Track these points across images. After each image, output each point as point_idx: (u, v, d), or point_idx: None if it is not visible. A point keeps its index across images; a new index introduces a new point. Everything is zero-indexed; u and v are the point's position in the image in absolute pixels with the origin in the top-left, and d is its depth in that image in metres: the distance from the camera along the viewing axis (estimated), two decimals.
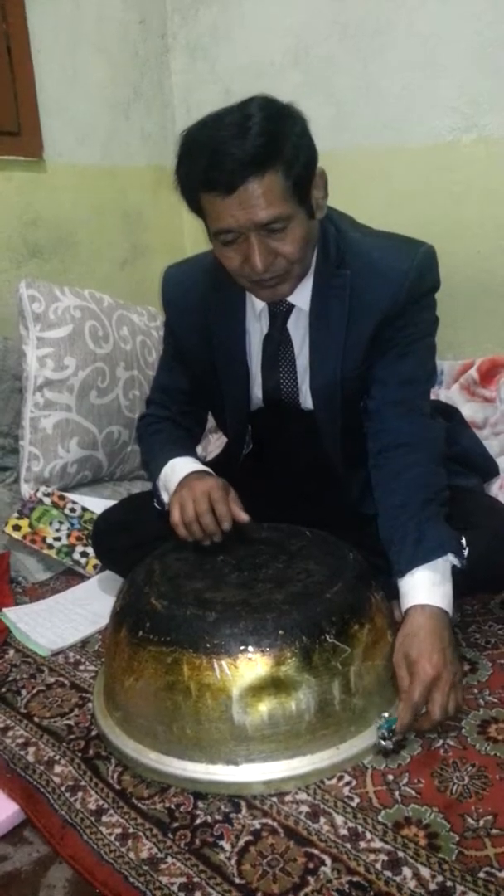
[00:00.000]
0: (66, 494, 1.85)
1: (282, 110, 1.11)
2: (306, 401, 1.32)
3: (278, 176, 1.08)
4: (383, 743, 1.04)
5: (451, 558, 1.14)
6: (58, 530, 1.75)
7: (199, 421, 1.51)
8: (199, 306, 1.33)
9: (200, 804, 1.00)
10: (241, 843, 0.94)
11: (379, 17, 2.10)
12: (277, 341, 1.30)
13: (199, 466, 1.31)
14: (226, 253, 1.16)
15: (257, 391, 1.36)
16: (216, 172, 1.07)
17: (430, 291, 1.25)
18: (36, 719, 1.21)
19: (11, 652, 1.42)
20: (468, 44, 1.97)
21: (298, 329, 1.29)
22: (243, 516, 1.22)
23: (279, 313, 1.29)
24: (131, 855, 0.93)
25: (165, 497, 1.34)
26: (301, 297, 1.26)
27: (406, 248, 1.22)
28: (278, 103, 1.11)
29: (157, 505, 1.38)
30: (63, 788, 1.05)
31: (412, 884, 0.86)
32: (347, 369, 1.25)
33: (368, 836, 0.93)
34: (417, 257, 1.21)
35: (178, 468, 1.31)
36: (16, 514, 1.76)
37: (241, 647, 1.01)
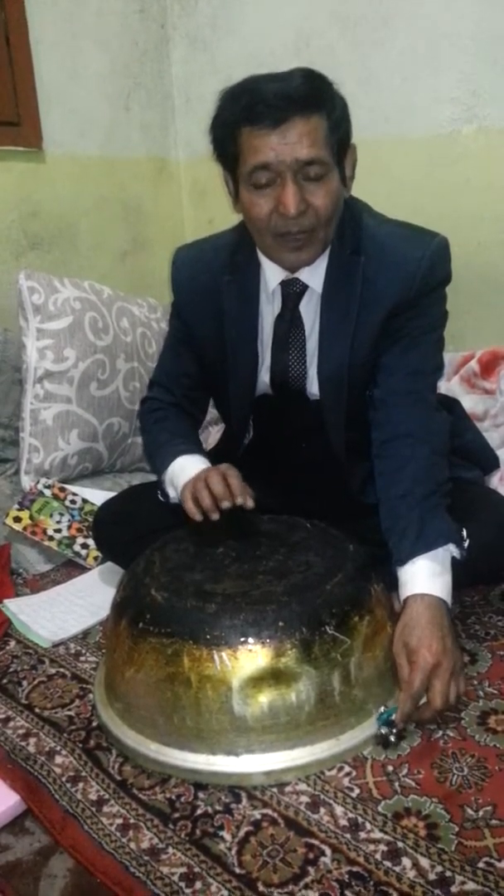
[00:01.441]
0: (66, 486, 1.85)
1: (323, 77, 1.14)
2: (313, 386, 1.31)
3: (323, 122, 1.10)
4: (384, 734, 1.04)
5: (451, 549, 1.14)
6: (58, 522, 1.75)
7: (203, 407, 1.51)
8: (211, 288, 1.33)
9: (201, 795, 1.00)
10: (241, 833, 0.94)
11: (379, 8, 2.09)
12: (289, 322, 1.29)
13: (208, 466, 1.31)
14: (256, 199, 1.15)
15: (265, 375, 1.35)
16: (262, 106, 1.08)
17: (441, 284, 1.25)
18: (37, 710, 1.21)
19: (12, 643, 1.42)
20: (469, 35, 1.96)
21: (310, 311, 1.28)
22: (249, 503, 1.20)
23: (292, 294, 1.28)
24: (132, 845, 0.93)
25: (172, 493, 1.34)
26: (315, 278, 1.25)
27: (420, 239, 1.22)
28: (319, 73, 1.14)
29: (160, 497, 1.38)
30: (64, 779, 1.05)
31: (412, 874, 0.86)
32: (355, 356, 1.25)
33: (368, 826, 0.93)
34: (431, 248, 1.20)
35: (188, 467, 1.30)
36: (16, 506, 1.76)
37: (242, 639, 1.01)
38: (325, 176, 1.12)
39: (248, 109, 1.09)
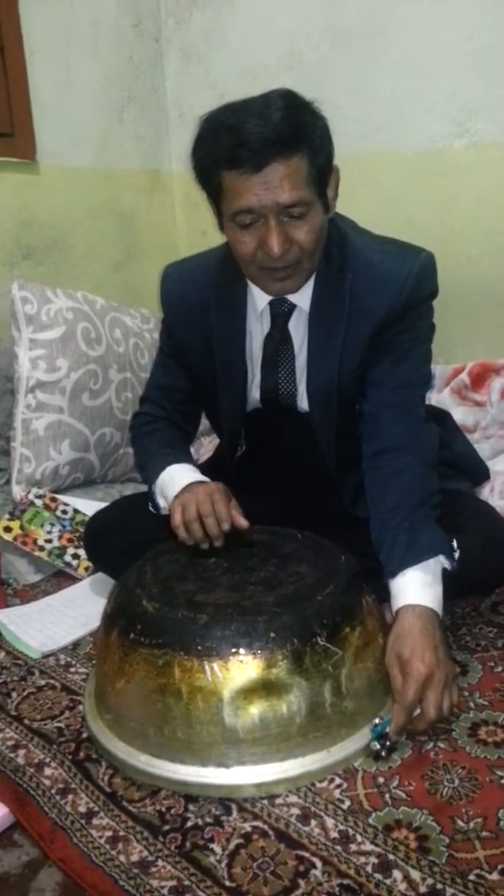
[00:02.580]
0: (57, 496, 1.84)
1: (304, 102, 1.13)
2: (303, 402, 1.32)
3: (304, 161, 1.10)
4: (377, 747, 1.04)
5: (442, 560, 1.14)
6: (49, 532, 1.74)
7: (194, 421, 1.51)
8: (200, 305, 1.33)
9: (191, 807, 1.00)
10: (231, 845, 0.93)
11: (371, 22, 2.11)
12: (278, 341, 1.30)
13: (198, 476, 1.31)
14: (240, 237, 1.15)
15: (255, 391, 1.36)
16: (243, 150, 1.07)
17: (428, 298, 1.26)
18: (26, 721, 1.21)
19: (2, 654, 1.41)
20: (460, 49, 1.98)
21: (299, 329, 1.29)
22: (243, 522, 1.22)
23: (281, 313, 1.29)
24: (122, 858, 0.93)
25: (162, 503, 1.34)
26: (303, 297, 1.26)
27: (406, 255, 1.23)
28: (300, 96, 1.13)
29: (151, 509, 1.38)
30: (53, 791, 1.04)
31: (402, 886, 0.86)
32: (344, 371, 1.26)
33: (359, 838, 0.93)
34: (417, 264, 1.21)
35: (177, 477, 1.30)
36: (7, 516, 1.75)
37: (233, 650, 1.01)
38: (307, 213, 1.12)
39: (229, 152, 1.08)
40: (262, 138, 1.06)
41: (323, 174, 1.14)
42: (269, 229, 1.11)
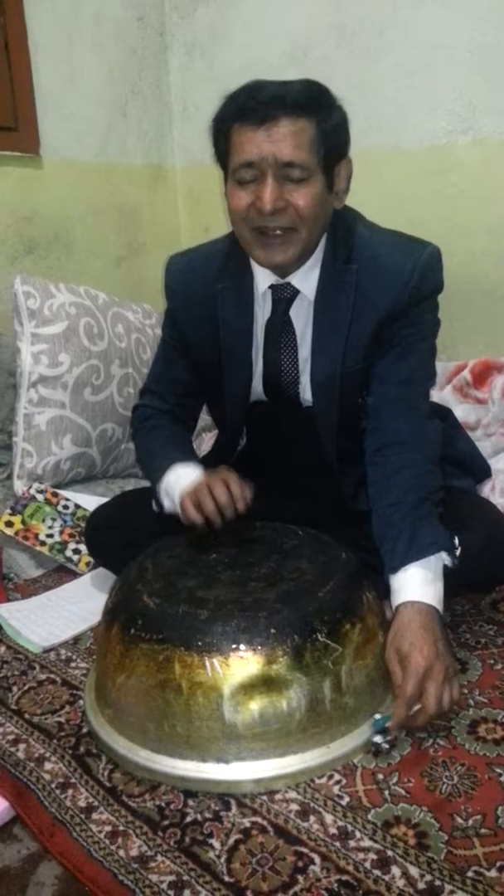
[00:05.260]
0: (59, 491, 1.84)
1: (326, 89, 1.16)
2: (305, 392, 1.32)
3: (312, 126, 1.12)
4: (377, 741, 1.04)
5: (443, 557, 1.14)
6: (50, 527, 1.75)
7: (194, 414, 1.50)
8: (205, 294, 1.33)
9: (191, 802, 1.00)
10: (230, 841, 0.94)
11: (376, 19, 2.11)
12: (280, 327, 1.30)
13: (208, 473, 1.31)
14: (237, 192, 1.17)
15: (258, 381, 1.35)
16: (253, 102, 1.10)
17: (433, 292, 1.26)
18: (27, 716, 1.21)
19: (2, 648, 1.42)
20: (464, 47, 1.97)
21: (300, 317, 1.29)
22: (248, 494, 1.22)
23: (282, 299, 1.28)
24: (121, 853, 0.93)
25: (167, 503, 1.32)
26: (307, 284, 1.26)
27: (412, 248, 1.23)
28: (324, 86, 1.16)
29: (155, 507, 1.37)
30: (53, 785, 1.05)
31: (401, 883, 0.86)
32: (348, 364, 1.26)
33: (358, 834, 0.93)
34: (423, 258, 1.21)
35: (182, 478, 1.29)
36: (8, 511, 1.75)
37: (233, 646, 1.01)
38: (307, 180, 1.13)
39: (241, 107, 1.12)
40: (274, 95, 1.10)
41: (331, 153, 1.15)
42: (265, 184, 1.12)
